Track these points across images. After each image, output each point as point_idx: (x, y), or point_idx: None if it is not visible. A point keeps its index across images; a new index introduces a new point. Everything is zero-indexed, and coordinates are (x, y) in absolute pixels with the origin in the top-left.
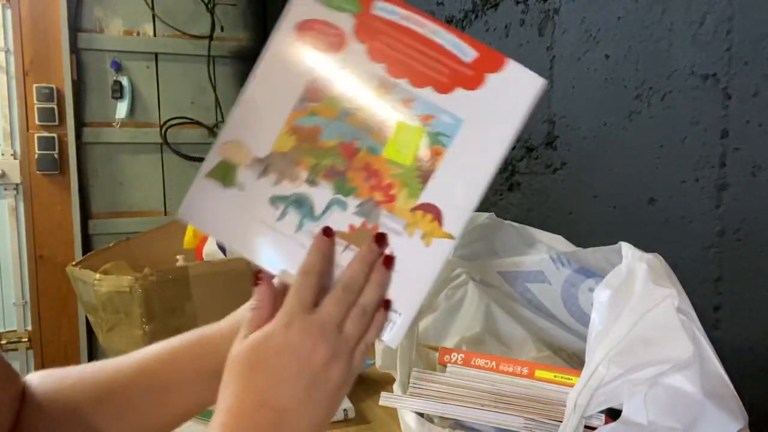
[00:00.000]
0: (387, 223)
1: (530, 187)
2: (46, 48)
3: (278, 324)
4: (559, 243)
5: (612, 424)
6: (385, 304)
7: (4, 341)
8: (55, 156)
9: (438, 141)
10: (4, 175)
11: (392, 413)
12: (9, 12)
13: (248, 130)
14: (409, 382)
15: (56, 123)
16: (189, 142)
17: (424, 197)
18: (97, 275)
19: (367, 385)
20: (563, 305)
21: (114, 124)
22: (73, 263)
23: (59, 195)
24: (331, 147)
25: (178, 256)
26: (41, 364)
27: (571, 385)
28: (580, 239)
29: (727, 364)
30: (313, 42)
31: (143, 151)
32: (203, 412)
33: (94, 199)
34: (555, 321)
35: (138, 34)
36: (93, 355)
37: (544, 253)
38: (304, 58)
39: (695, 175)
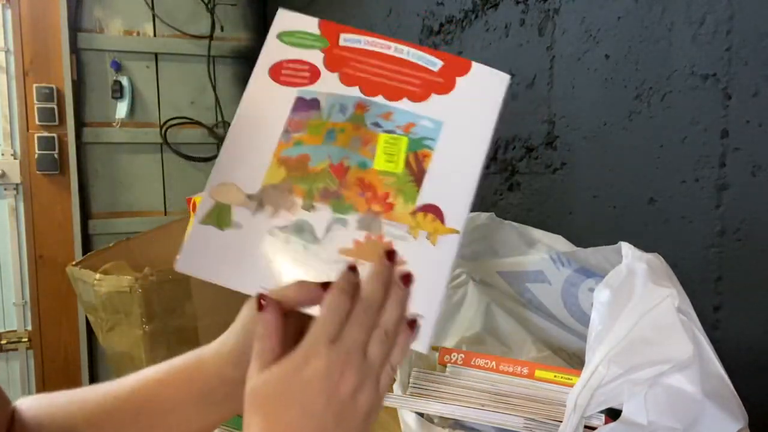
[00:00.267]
0: (390, 230)
1: (530, 187)
2: (46, 48)
3: (303, 355)
4: (559, 243)
5: (612, 424)
6: (410, 324)
7: (4, 341)
8: (55, 156)
9: (423, 145)
10: (4, 175)
11: (392, 413)
12: (9, 12)
13: (236, 170)
14: (409, 382)
15: (56, 123)
16: (189, 142)
17: (422, 199)
18: (97, 275)
19: None
20: (563, 305)
21: (114, 124)
22: (73, 263)
23: (59, 195)
24: (321, 170)
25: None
26: (41, 364)
27: (571, 385)
28: (580, 239)
29: (727, 364)
30: (288, 79)
31: (143, 151)
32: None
33: (94, 199)
34: (555, 321)
35: (138, 34)
36: (93, 355)
37: (544, 253)
38: (282, 94)
39: (695, 175)
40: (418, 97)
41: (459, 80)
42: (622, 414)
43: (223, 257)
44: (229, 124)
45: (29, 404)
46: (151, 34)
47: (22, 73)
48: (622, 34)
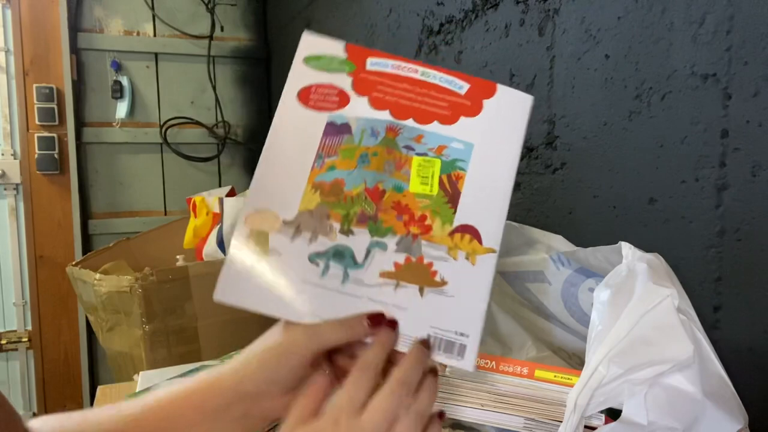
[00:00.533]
0: (430, 252)
1: (530, 187)
2: (46, 48)
3: (325, 422)
4: (559, 243)
5: (612, 424)
6: (440, 415)
7: (4, 341)
8: (55, 156)
9: (456, 167)
10: (4, 175)
11: None
12: (9, 12)
13: (270, 197)
14: None
15: (56, 123)
16: (189, 142)
17: (458, 220)
18: (97, 275)
19: None
20: (563, 305)
21: (114, 124)
22: (73, 263)
23: (59, 195)
24: (356, 195)
25: (178, 256)
26: (41, 364)
27: (571, 385)
28: (580, 239)
29: (727, 364)
30: (317, 104)
31: (143, 151)
32: None
33: (94, 199)
34: (555, 321)
35: (138, 34)
36: (93, 355)
37: (544, 253)
38: (312, 118)
39: (695, 175)
40: (447, 120)
41: (486, 102)
42: (622, 414)
43: (263, 285)
44: (228, 124)
45: (40, 425)
46: (151, 34)
47: (22, 73)
48: (622, 34)
